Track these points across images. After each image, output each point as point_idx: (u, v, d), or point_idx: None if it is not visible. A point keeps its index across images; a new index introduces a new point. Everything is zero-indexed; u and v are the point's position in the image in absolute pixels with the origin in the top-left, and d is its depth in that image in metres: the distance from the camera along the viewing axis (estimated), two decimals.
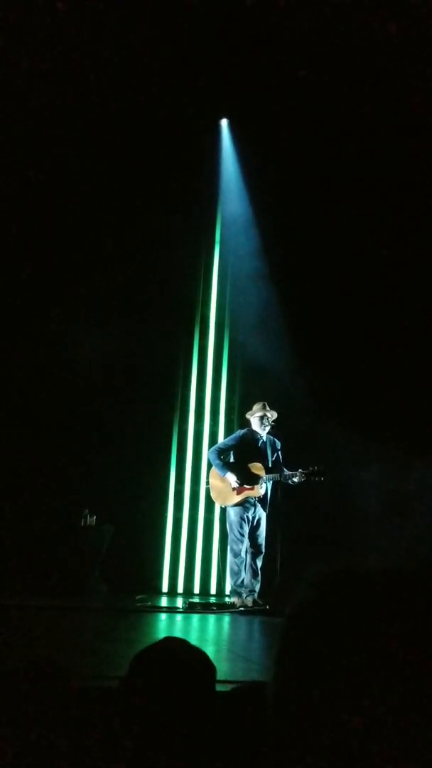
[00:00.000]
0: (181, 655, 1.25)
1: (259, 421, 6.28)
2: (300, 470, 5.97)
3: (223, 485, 6.24)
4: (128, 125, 7.47)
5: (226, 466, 6.24)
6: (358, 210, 7.52)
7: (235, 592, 6.11)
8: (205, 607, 6.04)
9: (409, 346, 7.36)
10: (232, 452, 6.38)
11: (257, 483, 6.11)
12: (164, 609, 6.03)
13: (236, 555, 6.11)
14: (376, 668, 0.62)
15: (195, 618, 5.52)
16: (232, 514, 6.17)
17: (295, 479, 5.96)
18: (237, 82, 7.39)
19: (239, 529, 6.11)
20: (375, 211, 7.49)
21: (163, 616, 5.62)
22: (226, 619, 5.54)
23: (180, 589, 7.35)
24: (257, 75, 7.26)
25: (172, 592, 7.26)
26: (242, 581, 6.04)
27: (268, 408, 6.31)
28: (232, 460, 6.36)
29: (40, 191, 7.26)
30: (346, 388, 7.25)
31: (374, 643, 0.63)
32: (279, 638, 0.69)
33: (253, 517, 6.15)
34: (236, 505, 6.13)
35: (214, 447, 6.55)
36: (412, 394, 7.22)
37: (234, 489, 6.13)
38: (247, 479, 6.14)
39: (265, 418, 6.26)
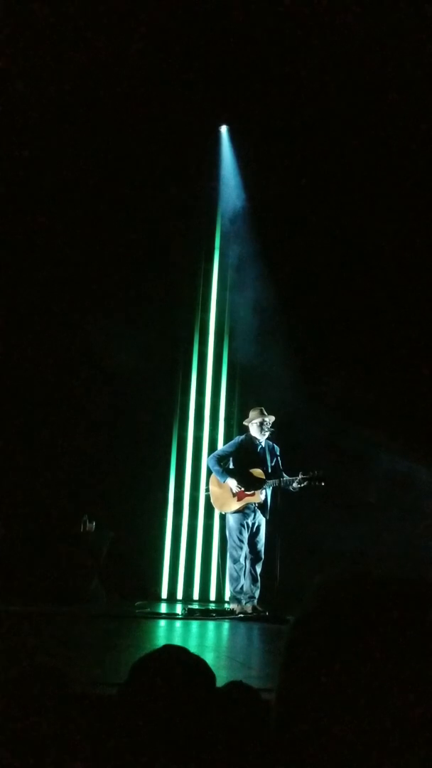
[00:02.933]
0: (180, 662, 1.25)
1: (259, 427, 6.26)
2: (300, 474, 5.94)
3: (222, 491, 6.23)
4: (127, 132, 7.48)
5: (226, 473, 6.24)
6: (358, 216, 7.54)
7: (234, 598, 6.09)
8: (204, 614, 6.03)
9: (410, 350, 7.36)
10: (231, 459, 6.38)
11: (257, 489, 6.10)
12: (163, 615, 6.01)
13: (235, 561, 6.10)
14: (383, 677, 0.61)
15: (194, 624, 5.51)
16: (232, 520, 6.16)
17: (296, 484, 5.93)
18: (236, 89, 7.42)
19: (238, 535, 6.10)
20: (375, 216, 7.51)
21: (163, 622, 5.60)
22: (226, 625, 5.52)
23: (179, 595, 7.34)
24: (256, 82, 7.29)
25: (172, 599, 7.25)
26: (242, 587, 6.03)
27: (265, 412, 6.30)
28: (231, 466, 6.35)
29: (40, 198, 7.28)
30: (347, 394, 7.25)
31: (382, 652, 0.62)
32: (285, 646, 0.69)
33: (253, 524, 6.14)
34: (236, 511, 6.12)
35: (214, 454, 6.55)
36: (414, 397, 7.22)
37: (234, 495, 6.13)
38: (247, 485, 6.13)
39: (264, 423, 6.25)
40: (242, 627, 5.43)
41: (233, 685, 1.30)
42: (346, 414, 7.18)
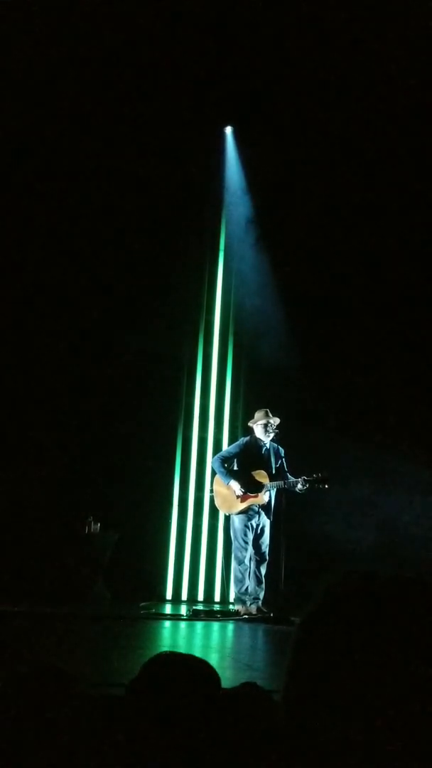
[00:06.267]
0: (185, 664, 1.25)
1: (263, 428, 6.26)
2: (303, 477, 5.95)
3: (227, 493, 6.23)
4: (132, 133, 7.49)
5: (230, 474, 6.23)
6: (364, 215, 7.52)
7: (239, 599, 6.09)
8: (209, 615, 6.03)
9: (415, 351, 7.35)
10: (235, 460, 6.37)
11: (261, 490, 6.10)
12: (168, 616, 6.02)
13: (240, 562, 6.09)
14: (389, 677, 0.61)
15: (199, 626, 5.51)
16: (237, 521, 6.16)
17: (300, 486, 5.94)
18: (241, 90, 7.41)
19: (243, 536, 6.10)
20: (381, 216, 7.49)
21: (167, 623, 5.60)
22: (230, 626, 5.52)
23: (184, 596, 7.33)
24: (262, 82, 7.29)
25: (176, 600, 7.25)
26: (246, 589, 6.03)
27: (270, 414, 6.30)
28: (236, 467, 6.35)
29: (45, 201, 7.29)
30: (352, 395, 7.24)
31: (388, 652, 0.62)
32: (291, 648, 0.69)
33: (258, 525, 6.14)
34: (240, 512, 6.12)
35: (218, 455, 6.54)
36: (419, 400, 7.20)
37: (238, 497, 6.13)
38: (251, 487, 6.13)
39: (269, 425, 6.24)
40: (247, 628, 5.43)
41: (246, 686, 1.30)
42: (351, 415, 7.17)
